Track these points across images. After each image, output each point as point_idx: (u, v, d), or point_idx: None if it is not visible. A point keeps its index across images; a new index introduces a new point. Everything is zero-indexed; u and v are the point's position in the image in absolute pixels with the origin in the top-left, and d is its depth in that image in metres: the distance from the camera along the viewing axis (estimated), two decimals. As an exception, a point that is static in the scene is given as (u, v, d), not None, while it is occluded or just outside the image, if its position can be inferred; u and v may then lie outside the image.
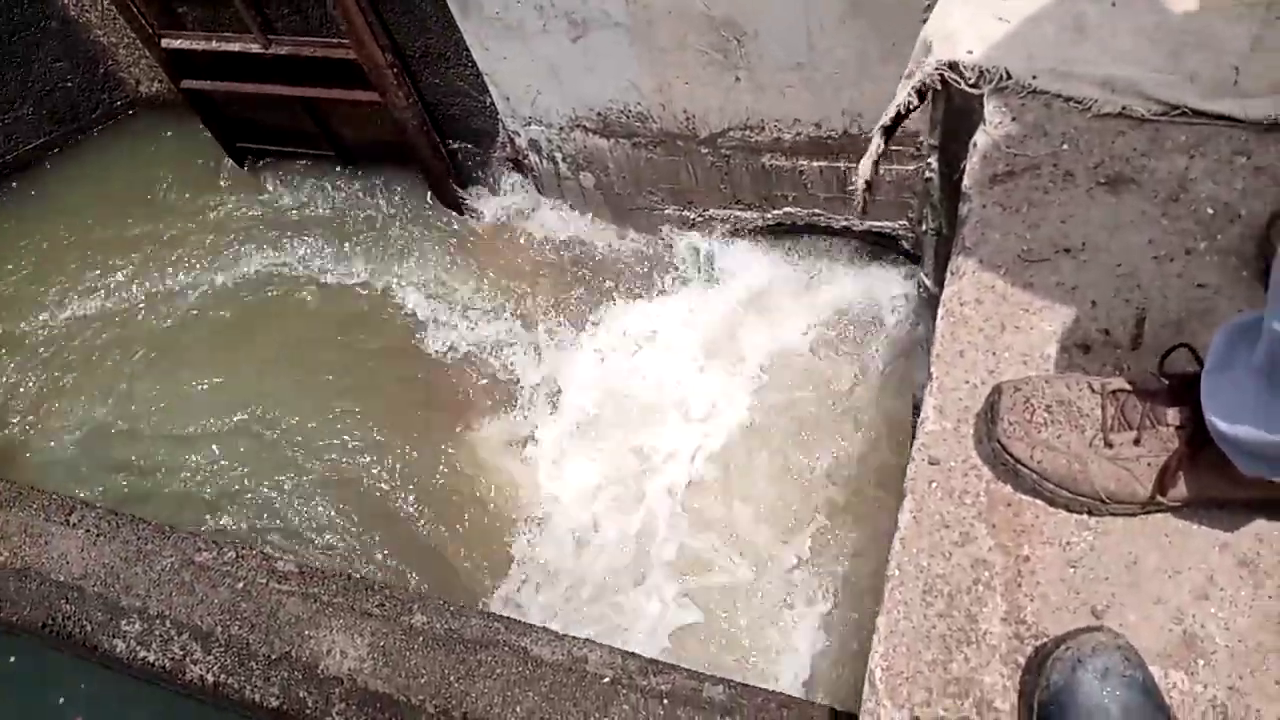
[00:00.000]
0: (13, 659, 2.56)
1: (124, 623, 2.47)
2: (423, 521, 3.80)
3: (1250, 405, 0.95)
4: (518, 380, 4.21)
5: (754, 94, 3.54)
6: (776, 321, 4.08)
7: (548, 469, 3.95)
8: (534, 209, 4.52)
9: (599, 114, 3.89)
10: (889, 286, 3.96)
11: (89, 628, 2.49)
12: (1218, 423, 0.99)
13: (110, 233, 4.86)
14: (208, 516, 3.88)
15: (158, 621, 2.45)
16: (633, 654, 2.39)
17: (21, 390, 4.48)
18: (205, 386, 4.31)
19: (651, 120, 3.82)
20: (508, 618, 2.50)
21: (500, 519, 3.82)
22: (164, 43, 4.29)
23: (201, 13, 4.23)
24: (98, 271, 4.77)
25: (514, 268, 4.49)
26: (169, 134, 4.97)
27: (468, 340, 4.32)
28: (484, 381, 4.21)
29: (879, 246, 4.00)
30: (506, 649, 2.37)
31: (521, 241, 4.53)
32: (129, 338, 4.55)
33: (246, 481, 3.95)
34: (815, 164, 3.72)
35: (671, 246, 4.35)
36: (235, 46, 4.19)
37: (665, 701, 2.27)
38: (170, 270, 4.73)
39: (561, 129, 4.05)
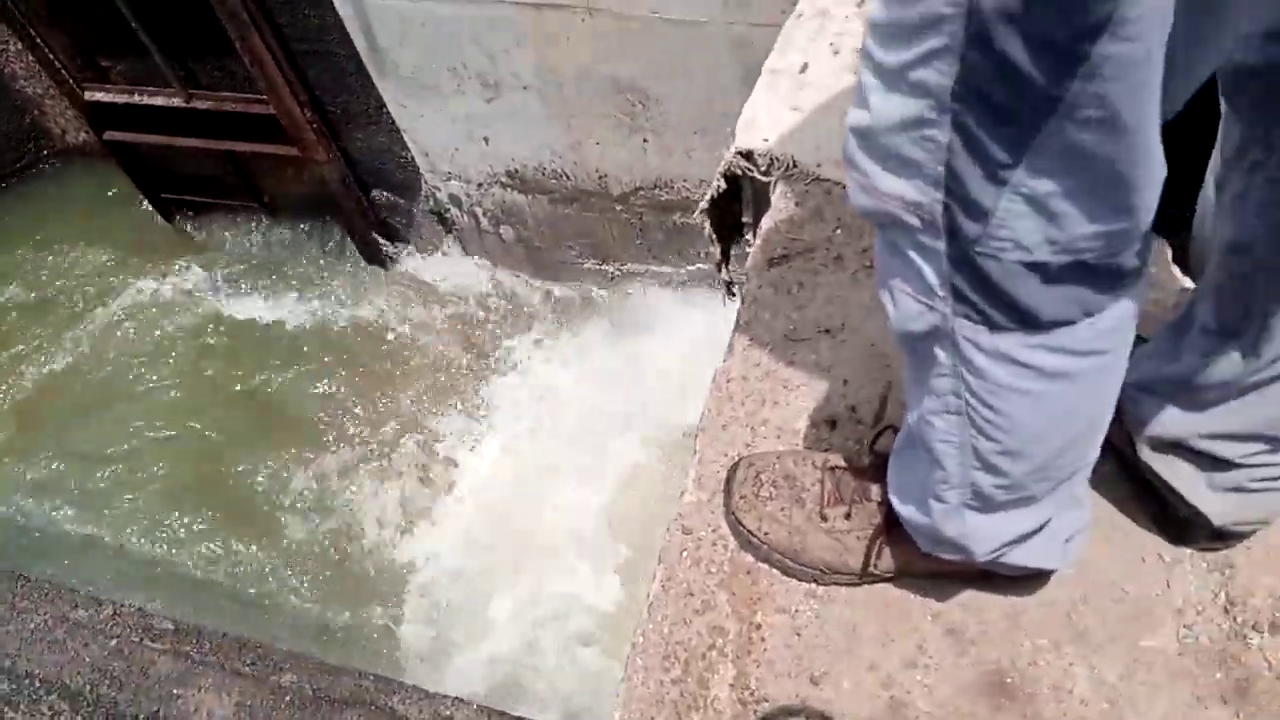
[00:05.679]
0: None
1: (-8, 681, 2.48)
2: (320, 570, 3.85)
3: (916, 486, 1.01)
4: (430, 425, 4.27)
5: (661, 155, 3.63)
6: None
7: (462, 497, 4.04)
8: (456, 261, 4.60)
9: (516, 171, 3.97)
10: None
11: (-43, 686, 2.49)
12: (894, 501, 1.06)
13: (31, 282, 4.88)
14: (97, 565, 3.89)
15: (26, 681, 2.46)
16: (500, 712, 2.42)
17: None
18: (112, 430, 4.35)
19: (566, 178, 3.91)
20: (379, 676, 2.52)
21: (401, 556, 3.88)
22: (87, 95, 4.35)
23: (125, 66, 4.29)
24: (17, 321, 4.78)
25: (433, 318, 4.55)
26: (95, 183, 5.03)
27: (384, 386, 4.38)
28: (394, 423, 4.27)
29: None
30: (374, 708, 2.39)
31: (442, 292, 4.60)
32: (47, 386, 4.57)
33: (145, 523, 3.99)
34: (724, 222, 3.81)
35: (590, 298, 4.43)
36: (158, 100, 4.25)
37: (528, 757, 2.30)
38: (86, 320, 4.76)
39: (480, 185, 4.13)
